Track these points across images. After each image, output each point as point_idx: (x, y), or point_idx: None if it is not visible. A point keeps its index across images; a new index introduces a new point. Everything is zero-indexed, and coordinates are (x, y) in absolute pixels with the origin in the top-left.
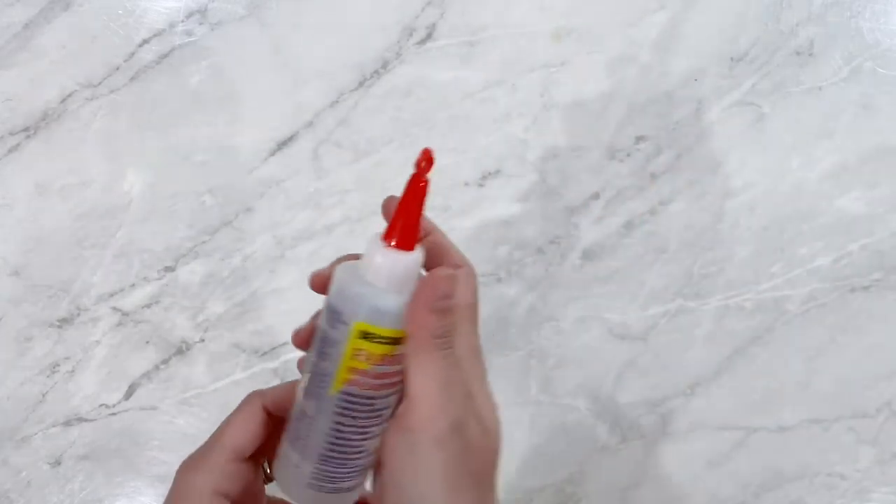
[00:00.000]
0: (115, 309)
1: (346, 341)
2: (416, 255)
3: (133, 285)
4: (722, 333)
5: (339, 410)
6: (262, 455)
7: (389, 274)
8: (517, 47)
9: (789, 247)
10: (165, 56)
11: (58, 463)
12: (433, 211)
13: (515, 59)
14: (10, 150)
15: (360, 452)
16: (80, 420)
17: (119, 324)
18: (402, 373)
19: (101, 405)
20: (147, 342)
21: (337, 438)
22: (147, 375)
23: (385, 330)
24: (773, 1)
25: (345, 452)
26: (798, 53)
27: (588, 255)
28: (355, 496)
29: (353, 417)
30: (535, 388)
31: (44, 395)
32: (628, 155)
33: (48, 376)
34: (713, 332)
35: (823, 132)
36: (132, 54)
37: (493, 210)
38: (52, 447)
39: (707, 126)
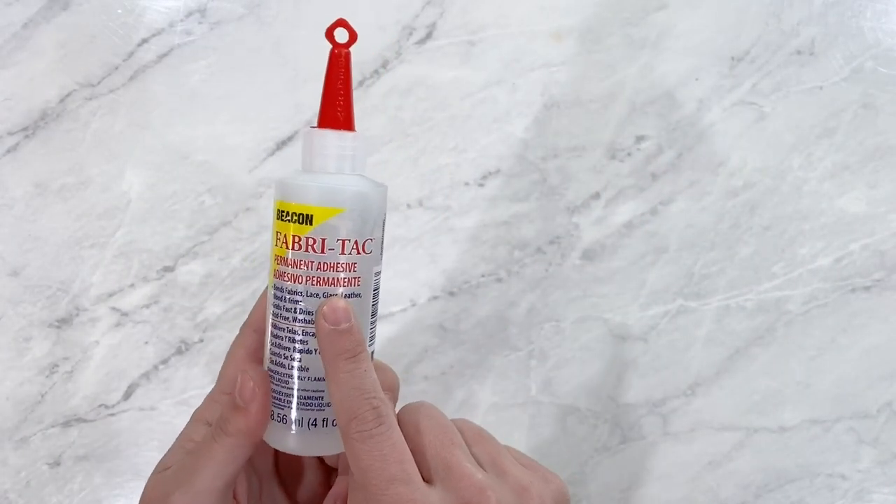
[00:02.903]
0: (114, 309)
1: (272, 227)
2: (333, 131)
3: (132, 285)
4: (722, 334)
5: (273, 310)
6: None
7: (307, 151)
8: (517, 47)
9: (790, 247)
10: (165, 55)
11: (57, 463)
12: (433, 211)
13: (515, 58)
14: (9, 150)
15: (299, 369)
16: (79, 420)
17: (118, 324)
18: (334, 272)
19: (100, 405)
20: (146, 342)
21: (273, 346)
22: (146, 376)
23: (292, 204)
24: (773, 0)
25: (282, 364)
26: (799, 53)
27: (588, 255)
28: (316, 445)
29: (284, 318)
30: (535, 388)
31: (42, 396)
32: (629, 155)
33: (47, 377)
34: (714, 332)
35: (824, 132)
36: (131, 54)
37: (493, 210)
38: (51, 447)
39: (708, 126)
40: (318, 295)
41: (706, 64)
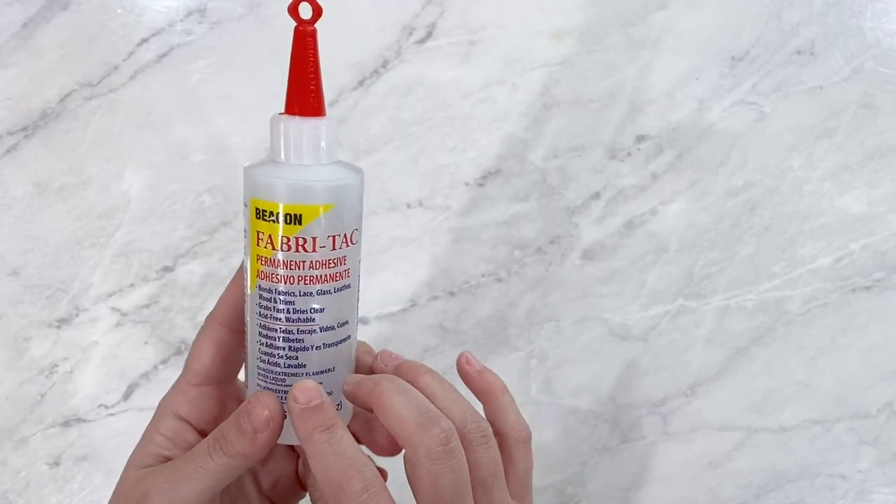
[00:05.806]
0: (113, 309)
1: (249, 226)
2: (307, 119)
3: (132, 285)
4: (723, 334)
5: (260, 311)
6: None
7: (279, 141)
8: (517, 46)
9: (790, 247)
10: (164, 55)
11: (56, 463)
12: (433, 211)
13: (515, 58)
14: (9, 150)
15: (294, 366)
16: (79, 420)
17: (118, 324)
18: (326, 269)
19: (99, 405)
20: (146, 342)
21: (264, 346)
22: (146, 376)
23: (275, 204)
24: (773, 0)
25: (276, 364)
26: (799, 53)
27: (588, 255)
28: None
29: (276, 319)
30: (535, 388)
31: (42, 396)
32: (629, 155)
33: (47, 377)
34: (714, 332)
35: (824, 132)
36: (131, 53)
37: (493, 210)
38: (50, 448)
39: (708, 125)
40: (311, 293)
41: (706, 64)
